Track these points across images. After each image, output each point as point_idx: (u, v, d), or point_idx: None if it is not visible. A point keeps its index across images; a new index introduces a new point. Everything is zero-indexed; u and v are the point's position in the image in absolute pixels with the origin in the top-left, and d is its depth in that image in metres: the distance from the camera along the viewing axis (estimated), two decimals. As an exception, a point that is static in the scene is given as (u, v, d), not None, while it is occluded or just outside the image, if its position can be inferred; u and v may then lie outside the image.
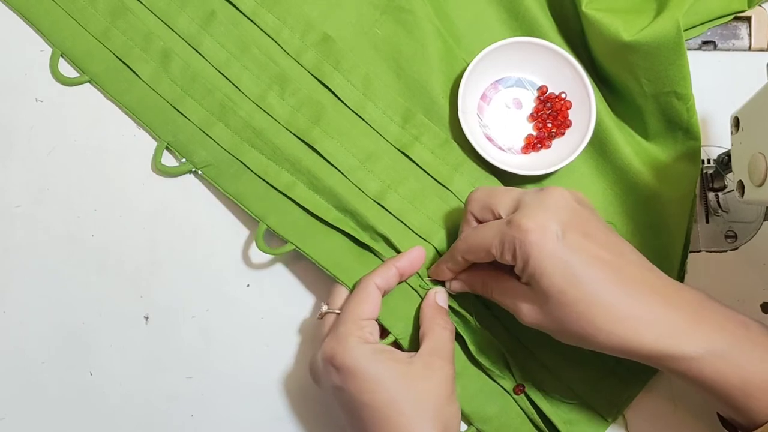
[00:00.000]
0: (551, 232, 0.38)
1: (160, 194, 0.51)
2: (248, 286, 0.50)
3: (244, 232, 0.51)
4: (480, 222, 0.43)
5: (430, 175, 0.49)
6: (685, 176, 0.50)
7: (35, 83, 0.52)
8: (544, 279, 0.38)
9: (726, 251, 0.52)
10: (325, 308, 0.46)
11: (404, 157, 0.50)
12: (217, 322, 0.50)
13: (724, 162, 0.48)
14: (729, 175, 0.50)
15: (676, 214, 0.49)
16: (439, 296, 0.46)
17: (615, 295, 0.38)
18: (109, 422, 0.49)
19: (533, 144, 0.51)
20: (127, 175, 0.51)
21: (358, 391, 0.40)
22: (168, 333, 0.50)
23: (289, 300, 0.50)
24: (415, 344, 0.46)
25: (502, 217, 0.41)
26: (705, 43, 0.54)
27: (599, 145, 0.51)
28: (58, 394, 0.49)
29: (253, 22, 0.52)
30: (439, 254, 0.48)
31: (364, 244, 0.48)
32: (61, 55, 0.52)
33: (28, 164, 0.51)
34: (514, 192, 0.42)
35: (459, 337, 0.47)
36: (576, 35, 0.52)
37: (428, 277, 0.47)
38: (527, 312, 0.41)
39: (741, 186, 0.42)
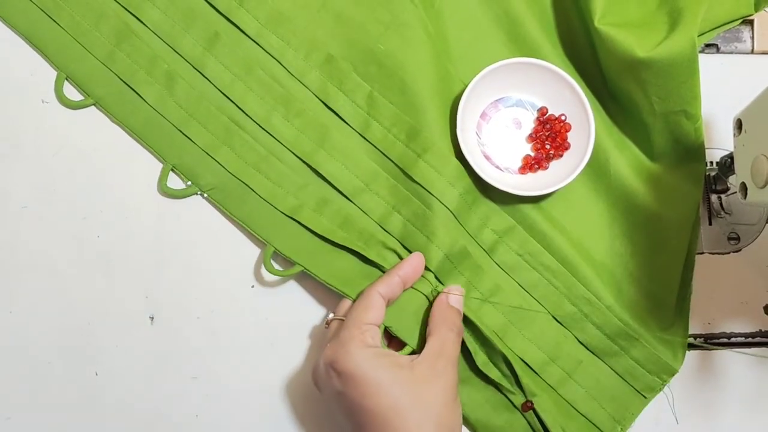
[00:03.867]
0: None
1: (165, 195, 0.51)
2: (253, 287, 0.51)
3: (248, 233, 0.51)
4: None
5: (431, 193, 0.48)
6: (688, 198, 0.50)
7: (41, 84, 0.52)
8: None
9: (729, 253, 0.52)
10: (331, 316, 0.46)
11: (407, 177, 0.49)
12: (222, 323, 0.50)
13: (727, 164, 0.48)
14: (732, 178, 0.50)
15: (677, 236, 0.49)
16: (452, 297, 0.46)
17: None
18: (113, 422, 0.49)
19: (531, 165, 0.51)
20: (133, 176, 0.51)
21: (359, 395, 0.40)
22: (173, 333, 0.50)
23: (293, 301, 0.50)
24: None
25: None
26: (708, 45, 0.55)
27: (597, 167, 0.51)
28: (63, 394, 0.49)
29: (257, 44, 0.51)
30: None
31: (372, 261, 0.48)
32: (66, 78, 0.51)
33: (34, 165, 0.51)
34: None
35: (466, 347, 0.46)
36: (583, 52, 0.52)
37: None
38: None
39: (744, 188, 0.42)
